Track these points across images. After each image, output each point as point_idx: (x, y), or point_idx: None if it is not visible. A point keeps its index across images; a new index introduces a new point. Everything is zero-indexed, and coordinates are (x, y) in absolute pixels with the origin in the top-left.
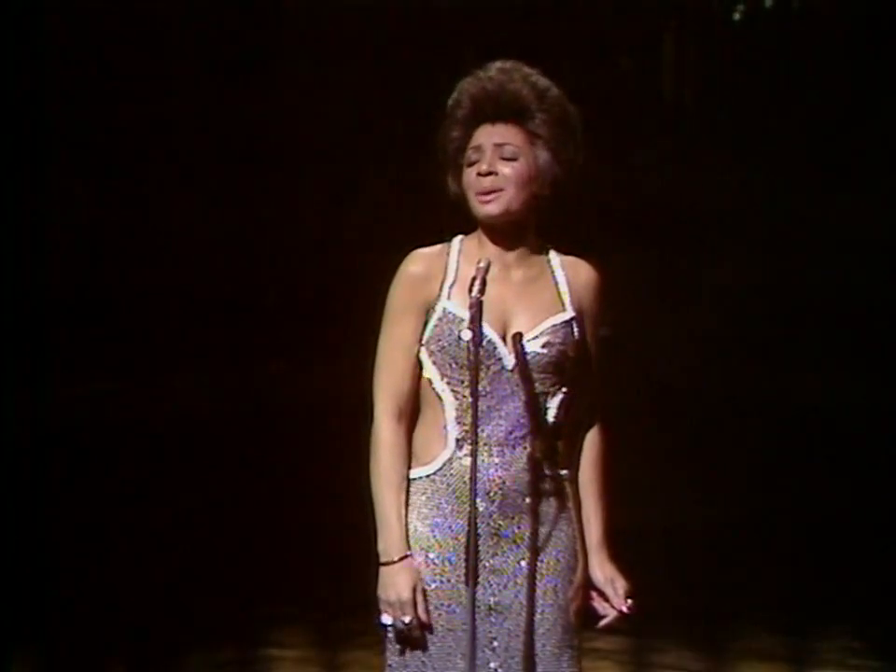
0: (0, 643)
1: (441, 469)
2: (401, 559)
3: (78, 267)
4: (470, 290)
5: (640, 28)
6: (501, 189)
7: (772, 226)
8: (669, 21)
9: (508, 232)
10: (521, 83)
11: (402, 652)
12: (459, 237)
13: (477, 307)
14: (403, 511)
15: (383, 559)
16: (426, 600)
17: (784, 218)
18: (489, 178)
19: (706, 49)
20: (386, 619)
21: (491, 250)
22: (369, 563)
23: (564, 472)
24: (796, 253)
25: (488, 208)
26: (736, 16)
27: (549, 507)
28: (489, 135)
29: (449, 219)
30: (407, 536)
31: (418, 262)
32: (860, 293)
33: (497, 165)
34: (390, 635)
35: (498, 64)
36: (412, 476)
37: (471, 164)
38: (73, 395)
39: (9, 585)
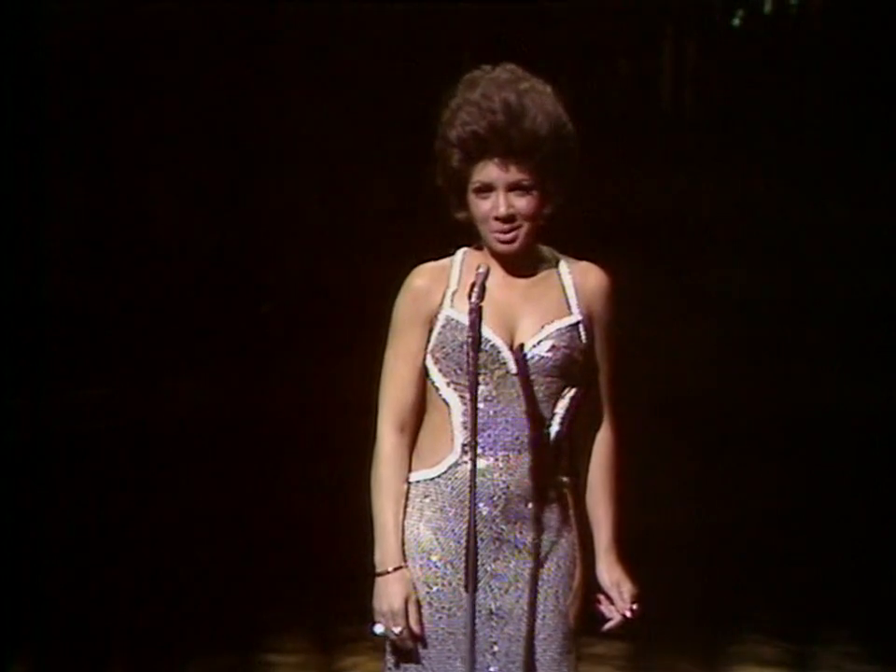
0: (0, 644)
1: (445, 472)
2: (395, 570)
3: (77, 270)
4: (470, 297)
5: (639, 33)
6: (518, 227)
7: (773, 231)
8: (668, 26)
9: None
10: (540, 118)
11: (402, 656)
12: (463, 249)
13: (476, 313)
14: (401, 523)
15: (378, 569)
16: (419, 611)
17: (786, 224)
18: (508, 222)
19: (705, 55)
20: (378, 628)
21: (495, 260)
22: (368, 568)
23: (566, 479)
24: (799, 258)
25: (507, 248)
26: (736, 21)
27: (551, 513)
28: (500, 173)
29: (455, 228)
30: (404, 542)
31: (422, 275)
32: (870, 297)
33: (512, 200)
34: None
35: (505, 75)
36: (416, 478)
37: (479, 192)
38: (72, 398)
39: (9, 586)
